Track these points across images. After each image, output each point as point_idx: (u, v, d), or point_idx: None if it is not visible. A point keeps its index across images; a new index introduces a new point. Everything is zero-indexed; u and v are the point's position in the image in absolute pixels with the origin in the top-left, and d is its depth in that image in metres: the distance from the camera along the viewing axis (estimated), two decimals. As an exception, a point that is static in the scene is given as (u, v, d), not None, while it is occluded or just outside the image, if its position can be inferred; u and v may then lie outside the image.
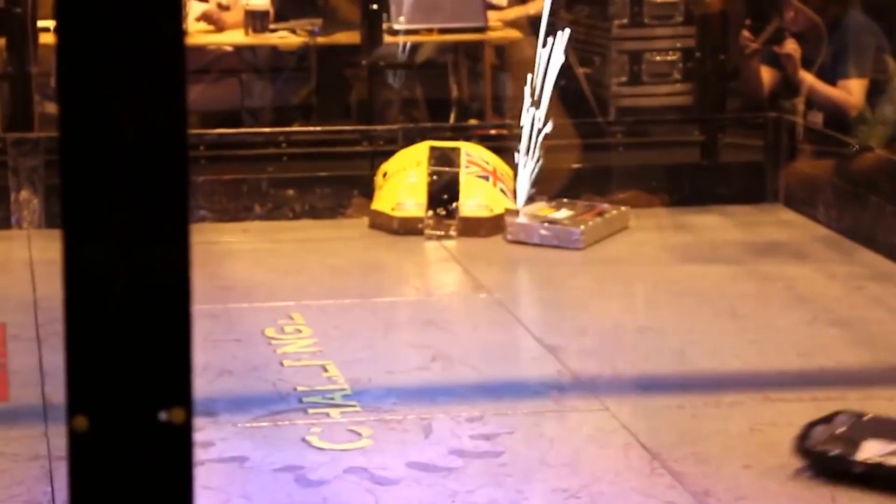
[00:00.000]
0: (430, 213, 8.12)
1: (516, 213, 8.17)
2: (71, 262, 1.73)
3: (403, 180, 8.29)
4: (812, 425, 5.45)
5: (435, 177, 8.19)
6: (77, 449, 1.78)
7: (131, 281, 1.75)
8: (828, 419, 5.54)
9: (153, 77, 1.70)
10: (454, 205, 8.14)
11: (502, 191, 8.27)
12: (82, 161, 1.71)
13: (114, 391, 1.78)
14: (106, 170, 1.72)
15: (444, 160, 8.26)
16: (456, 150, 8.34)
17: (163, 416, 1.78)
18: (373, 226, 8.34)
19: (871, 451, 5.44)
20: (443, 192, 8.13)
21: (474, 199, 8.16)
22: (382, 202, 8.29)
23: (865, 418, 5.61)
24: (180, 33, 1.72)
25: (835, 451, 5.38)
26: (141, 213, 1.73)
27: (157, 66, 1.72)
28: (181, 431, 1.79)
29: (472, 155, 8.38)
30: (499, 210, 8.16)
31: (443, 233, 8.09)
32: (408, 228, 8.14)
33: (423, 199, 8.16)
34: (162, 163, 1.72)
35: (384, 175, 8.42)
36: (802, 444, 5.38)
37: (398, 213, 8.20)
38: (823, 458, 5.35)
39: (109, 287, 1.75)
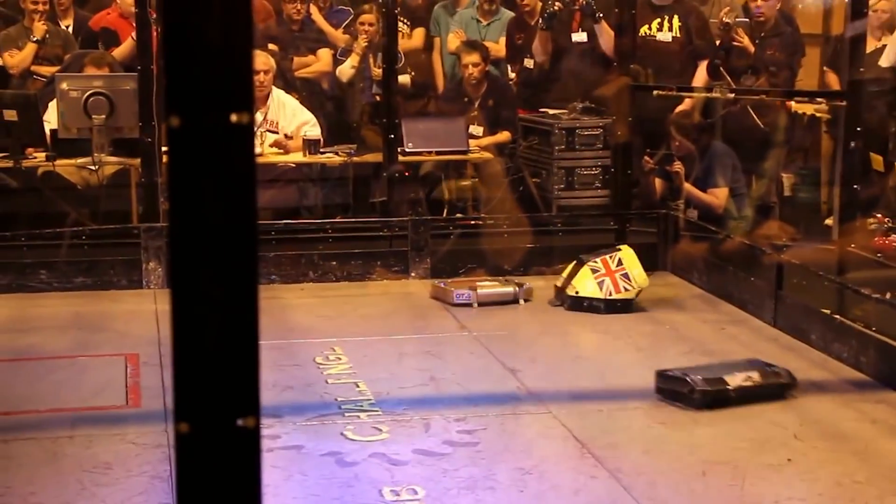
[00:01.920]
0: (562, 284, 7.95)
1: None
2: (177, 312, 1.69)
3: None
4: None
5: (576, 263, 7.95)
6: (181, 445, 1.74)
7: (217, 325, 1.71)
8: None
9: (233, 187, 1.66)
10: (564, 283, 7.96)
11: (600, 284, 7.78)
12: (185, 242, 1.67)
13: (205, 404, 1.74)
14: (200, 248, 1.68)
15: (595, 253, 8.02)
16: (619, 250, 8.03)
17: (239, 422, 1.74)
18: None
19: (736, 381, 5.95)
20: (571, 274, 7.92)
21: (576, 282, 7.87)
22: None
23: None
24: (252, 160, 1.68)
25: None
26: (225, 276, 1.69)
27: (235, 180, 1.68)
28: (252, 433, 1.75)
29: (619, 256, 7.94)
30: (583, 294, 7.79)
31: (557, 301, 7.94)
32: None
33: (566, 276, 7.96)
34: (238, 243, 1.68)
35: None
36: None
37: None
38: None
39: (202, 329, 1.71)
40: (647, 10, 9.63)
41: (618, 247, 8.12)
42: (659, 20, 9.64)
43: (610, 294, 7.79)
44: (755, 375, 6.10)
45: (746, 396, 6.00)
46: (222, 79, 1.60)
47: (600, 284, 7.82)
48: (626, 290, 7.84)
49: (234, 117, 1.62)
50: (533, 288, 8.06)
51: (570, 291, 7.85)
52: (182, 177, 1.64)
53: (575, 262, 7.96)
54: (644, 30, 9.60)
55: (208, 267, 1.66)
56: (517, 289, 7.98)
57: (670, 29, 9.63)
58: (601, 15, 9.48)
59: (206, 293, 1.67)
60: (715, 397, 5.92)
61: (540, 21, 9.92)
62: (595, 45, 9.71)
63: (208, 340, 1.69)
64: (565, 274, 7.98)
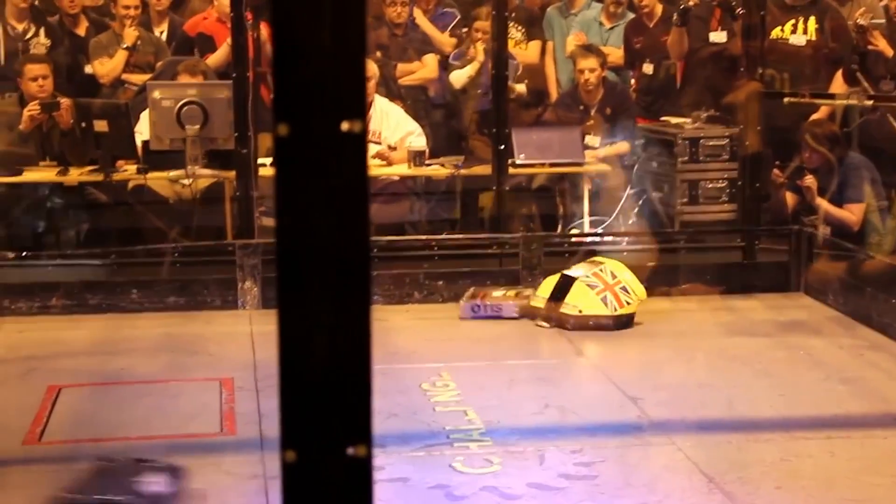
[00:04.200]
0: (547, 304, 7.96)
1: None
2: (285, 335, 1.70)
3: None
4: None
5: (560, 279, 8.01)
6: (288, 475, 1.74)
7: (328, 348, 1.71)
8: None
9: (345, 200, 1.67)
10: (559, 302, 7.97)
11: (604, 300, 7.90)
12: (293, 259, 1.68)
13: (314, 432, 1.75)
14: (309, 265, 1.69)
15: (582, 268, 8.02)
16: (603, 264, 8.05)
17: (350, 450, 1.75)
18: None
19: None
20: (559, 291, 7.96)
21: (573, 300, 7.95)
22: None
23: None
24: (364, 171, 1.68)
25: None
26: (336, 295, 1.69)
27: (347, 193, 1.69)
28: (363, 463, 1.76)
29: (609, 269, 8.00)
30: (588, 312, 7.88)
31: (545, 322, 7.92)
32: (528, 314, 8.01)
33: (547, 294, 7.99)
34: (351, 262, 1.68)
35: None
36: None
37: (532, 303, 8.06)
38: None
39: (312, 351, 1.72)
40: (780, 10, 9.51)
41: (596, 259, 8.03)
42: (793, 21, 9.51)
43: (615, 310, 7.75)
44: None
45: None
46: (333, 85, 1.60)
47: (604, 300, 7.78)
48: (628, 303, 7.82)
49: (345, 125, 1.63)
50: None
51: (570, 311, 7.78)
52: (290, 189, 1.64)
53: (560, 278, 7.89)
54: (776, 32, 9.49)
55: (318, 285, 1.67)
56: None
57: (805, 31, 9.50)
58: (741, 11, 9.32)
59: (315, 313, 1.68)
60: None
61: (674, 17, 9.81)
62: (731, 46, 9.56)
63: (318, 363, 1.69)
64: (543, 292, 7.90)
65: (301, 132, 1.61)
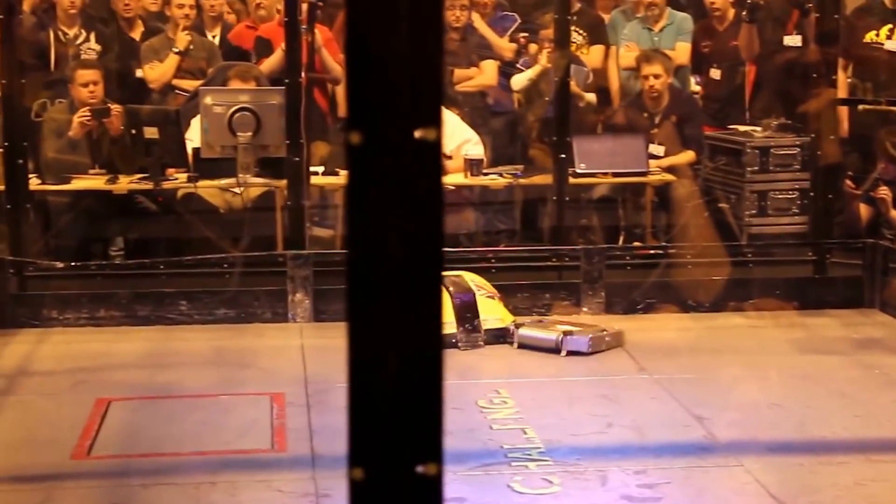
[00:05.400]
0: (460, 329, 7.85)
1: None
2: (354, 348, 1.71)
3: None
4: None
5: (457, 300, 7.92)
6: (355, 494, 1.75)
7: (399, 362, 1.72)
8: None
9: (419, 210, 1.68)
10: (477, 321, 7.90)
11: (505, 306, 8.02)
12: (364, 271, 1.69)
13: (383, 450, 1.76)
14: (381, 277, 1.70)
15: (458, 287, 8.01)
16: (461, 278, 8.06)
17: (420, 468, 1.75)
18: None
19: None
20: (466, 312, 7.93)
21: (491, 315, 7.94)
22: None
23: None
24: (439, 180, 1.69)
25: None
26: (407, 309, 1.70)
27: (420, 202, 1.70)
28: (434, 481, 1.76)
29: (476, 280, 8.07)
30: (509, 321, 7.91)
31: (471, 344, 7.86)
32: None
33: (451, 318, 7.83)
34: (424, 273, 1.69)
35: None
36: None
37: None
38: None
39: (382, 367, 1.72)
40: (878, 13, 9.40)
41: (448, 275, 8.00)
42: (891, 26, 9.40)
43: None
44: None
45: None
46: (407, 91, 1.61)
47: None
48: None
49: (419, 133, 1.63)
50: (621, 332, 7.86)
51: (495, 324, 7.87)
52: (362, 198, 1.65)
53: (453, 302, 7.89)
54: (870, 36, 9.39)
55: (389, 298, 1.68)
56: (560, 336, 7.69)
57: None
58: (811, 6, 9.22)
59: (386, 327, 1.68)
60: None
61: (744, 14, 9.75)
62: (806, 51, 9.44)
63: (388, 377, 1.70)
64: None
65: (374, 140, 1.62)
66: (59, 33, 9.99)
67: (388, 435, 1.73)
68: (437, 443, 1.74)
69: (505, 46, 10.42)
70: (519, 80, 10.07)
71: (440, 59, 1.61)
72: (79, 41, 9.98)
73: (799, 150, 9.41)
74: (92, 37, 10.02)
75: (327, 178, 9.06)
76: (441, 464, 1.75)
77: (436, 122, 1.62)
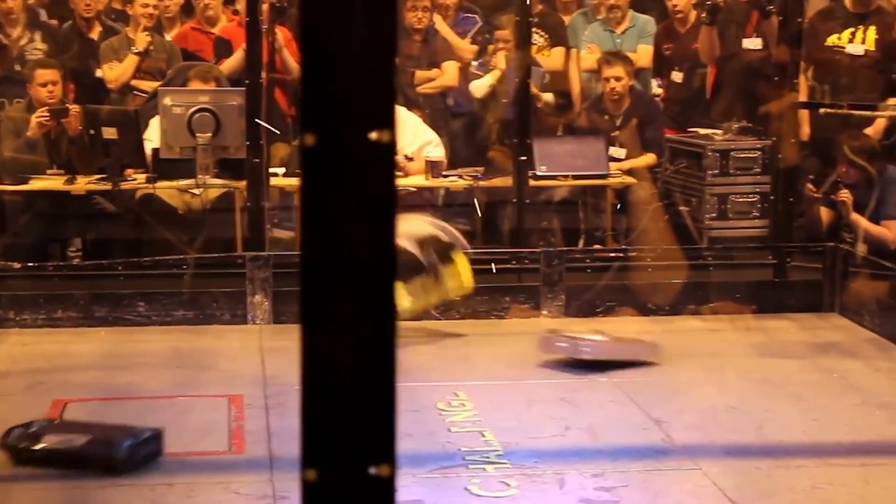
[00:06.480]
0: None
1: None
2: (307, 349, 1.72)
3: None
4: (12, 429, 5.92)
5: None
6: (308, 495, 1.76)
7: (352, 364, 1.73)
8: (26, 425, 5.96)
9: (372, 211, 1.69)
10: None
11: None
12: (318, 272, 1.70)
13: (335, 451, 1.76)
14: (334, 278, 1.71)
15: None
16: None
17: (373, 470, 1.76)
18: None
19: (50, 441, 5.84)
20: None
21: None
22: None
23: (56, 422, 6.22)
24: (393, 182, 1.71)
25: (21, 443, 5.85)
26: (361, 310, 1.71)
27: (374, 204, 1.71)
28: (387, 483, 1.77)
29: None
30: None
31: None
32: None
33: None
34: (377, 275, 1.70)
35: None
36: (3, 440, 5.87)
37: None
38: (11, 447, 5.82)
39: (335, 368, 1.73)
40: (840, 17, 9.46)
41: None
42: (852, 30, 9.45)
43: None
44: None
45: None
46: (361, 93, 1.62)
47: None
48: None
49: (373, 135, 1.65)
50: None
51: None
52: (316, 200, 1.66)
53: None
54: (832, 39, 9.44)
55: (343, 299, 1.69)
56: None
57: (863, 41, 9.42)
58: (772, 9, 9.27)
59: (340, 328, 1.69)
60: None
61: (703, 15, 9.79)
62: (767, 53, 9.48)
63: (341, 378, 1.71)
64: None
65: (328, 142, 1.63)
66: (0, 36, 9.92)
67: (340, 436, 1.74)
68: (390, 444, 1.75)
69: (466, 48, 10.43)
70: (480, 87, 10.08)
71: (394, 61, 1.62)
72: (22, 42, 9.92)
73: (760, 153, 9.45)
74: (37, 37, 9.95)
75: (287, 180, 9.06)
76: (394, 465, 1.76)
77: (389, 124, 1.63)
